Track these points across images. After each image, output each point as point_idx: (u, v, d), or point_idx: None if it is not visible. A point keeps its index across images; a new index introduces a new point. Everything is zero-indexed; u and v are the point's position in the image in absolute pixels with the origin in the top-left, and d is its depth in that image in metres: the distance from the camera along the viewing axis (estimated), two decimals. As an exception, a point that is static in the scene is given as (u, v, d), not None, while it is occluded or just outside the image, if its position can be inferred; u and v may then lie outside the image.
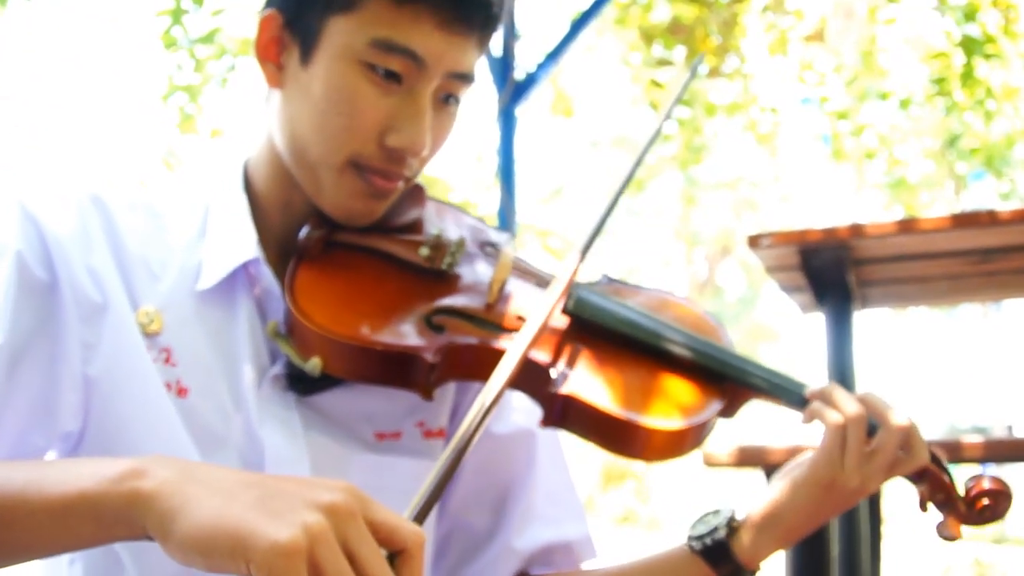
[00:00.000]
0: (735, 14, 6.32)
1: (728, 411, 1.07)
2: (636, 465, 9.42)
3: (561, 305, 1.06)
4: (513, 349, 0.94)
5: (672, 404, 1.03)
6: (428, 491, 0.80)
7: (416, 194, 1.15)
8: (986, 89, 6.17)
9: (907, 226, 2.40)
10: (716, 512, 1.09)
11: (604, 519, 9.25)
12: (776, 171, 14.88)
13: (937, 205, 11.01)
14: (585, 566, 1.18)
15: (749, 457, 2.18)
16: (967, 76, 6.02)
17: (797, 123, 9.25)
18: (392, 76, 1.01)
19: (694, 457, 1.20)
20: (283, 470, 1.01)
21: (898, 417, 1.03)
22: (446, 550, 1.17)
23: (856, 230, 2.44)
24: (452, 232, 1.12)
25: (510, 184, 5.23)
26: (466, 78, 1.06)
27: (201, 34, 5.56)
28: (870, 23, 6.54)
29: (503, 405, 1.15)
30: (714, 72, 6.37)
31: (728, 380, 1.06)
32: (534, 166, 14.05)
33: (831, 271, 2.54)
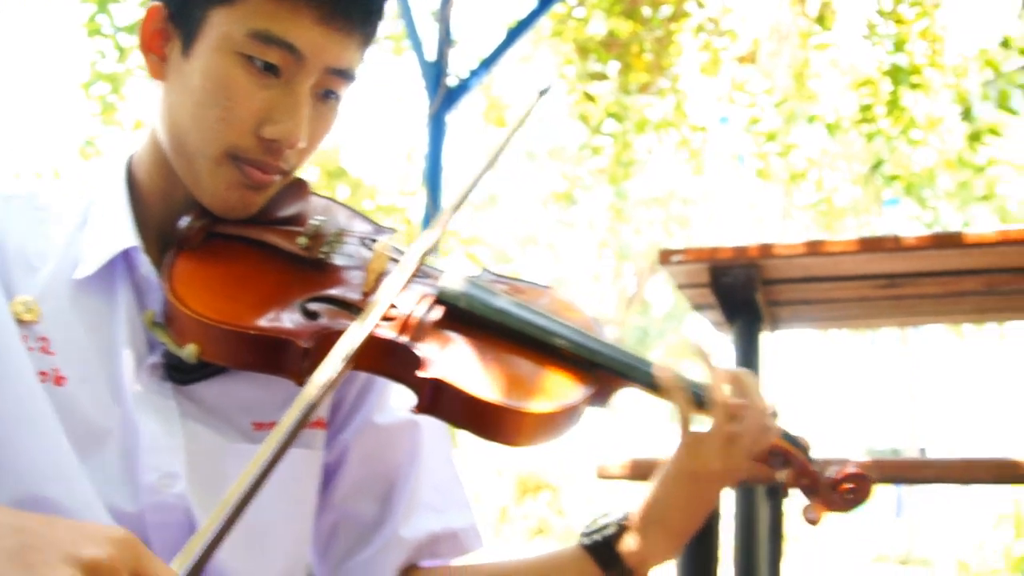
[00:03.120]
0: (670, 32, 6.36)
1: (599, 399, 1.09)
2: (551, 477, 9.45)
3: (433, 295, 1.08)
4: (355, 332, 0.96)
5: (541, 389, 1.05)
6: (254, 477, 0.82)
7: (299, 188, 1.16)
8: (910, 118, 6.29)
9: (815, 248, 2.41)
10: (611, 513, 1.11)
11: (518, 531, 9.25)
12: (706, 189, 15.04)
13: (863, 229, 11.20)
14: (472, 556, 1.19)
15: (642, 470, 2.17)
16: (893, 104, 6.13)
17: (727, 142, 9.36)
18: (270, 68, 1.02)
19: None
20: (159, 459, 1.00)
21: (754, 399, 1.05)
22: (333, 541, 1.17)
23: (765, 250, 2.44)
24: (333, 225, 1.14)
25: (436, 190, 5.20)
26: (345, 74, 1.06)
27: (127, 23, 5.44)
28: (802, 48, 6.63)
29: (386, 396, 1.17)
30: (646, 88, 6.41)
31: (599, 368, 1.08)
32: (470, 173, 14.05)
33: (740, 290, 2.54)
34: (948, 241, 2.39)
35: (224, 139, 1.03)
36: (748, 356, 2.76)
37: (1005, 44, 6.31)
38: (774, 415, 1.08)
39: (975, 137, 6.23)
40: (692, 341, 1.10)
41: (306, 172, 1.17)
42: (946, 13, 6.70)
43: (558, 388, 1.06)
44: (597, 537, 1.09)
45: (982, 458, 1.92)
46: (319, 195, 1.20)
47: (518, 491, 9.42)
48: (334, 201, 1.23)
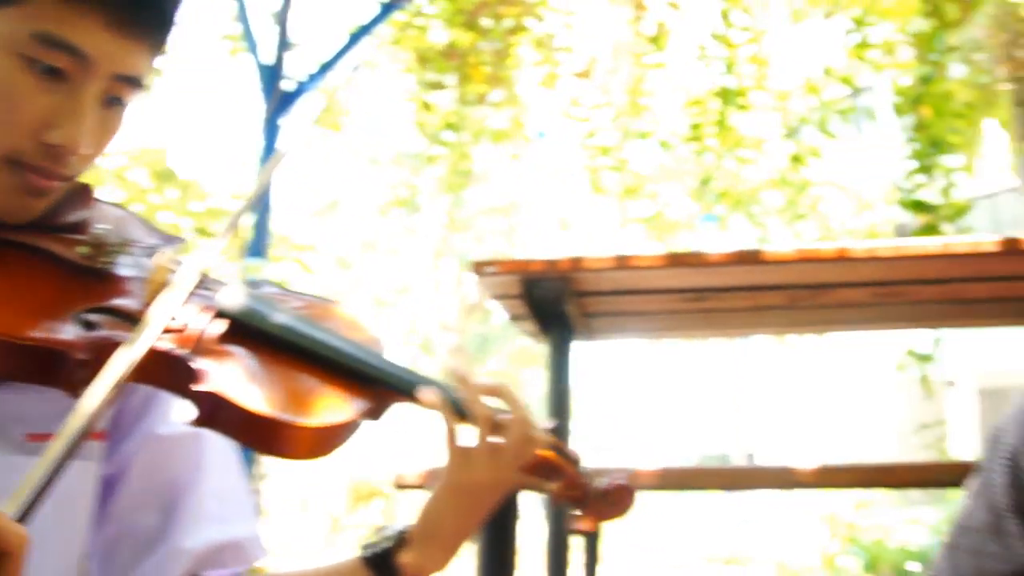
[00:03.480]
0: (509, 45, 6.43)
1: (374, 413, 1.10)
2: (384, 485, 9.40)
3: (215, 309, 1.07)
4: (133, 344, 0.95)
5: (318, 404, 1.05)
6: (33, 490, 0.80)
7: (83, 195, 1.13)
8: (738, 138, 6.53)
9: (623, 262, 2.46)
10: (393, 526, 1.12)
11: (351, 539, 9.17)
12: (547, 200, 15.28)
13: (696, 243, 11.55)
14: (258, 565, 1.19)
15: (438, 479, 2.17)
16: (721, 124, 6.36)
17: (564, 155, 9.53)
18: (54, 72, 0.99)
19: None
20: None
21: (517, 411, 1.07)
22: (114, 553, 1.14)
23: (576, 263, 2.49)
24: (116, 234, 1.10)
25: (267, 194, 5.12)
26: (133, 81, 1.04)
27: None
28: (637, 66, 6.80)
29: (169, 407, 1.16)
30: (483, 100, 6.47)
31: (376, 383, 1.09)
32: (311, 179, 13.94)
33: (552, 302, 2.58)
34: (749, 258, 2.49)
35: (4, 144, 1.00)
36: (559, 367, 2.80)
37: (827, 73, 6.66)
38: (541, 427, 1.10)
39: (797, 159, 6.53)
40: (450, 363, 1.13)
41: (134, 173, 1.14)
42: (773, 40, 7.00)
43: (335, 403, 1.06)
44: (376, 549, 1.09)
45: (758, 467, 2.00)
46: (106, 203, 1.17)
47: (351, 499, 9.35)
48: (123, 210, 1.21)
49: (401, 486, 2.17)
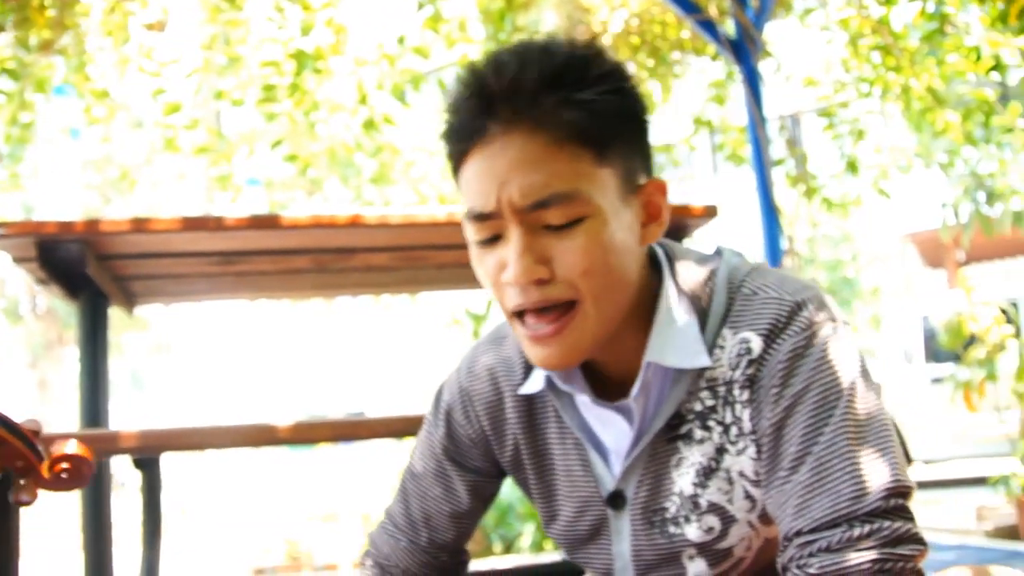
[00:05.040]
0: (74, -11, 6.09)
1: None
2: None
3: None
4: None
5: None
6: None
7: None
8: (313, 102, 6.61)
9: (141, 225, 2.47)
10: None
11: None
12: (141, 157, 14.62)
13: (294, 207, 11.56)
14: None
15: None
16: (295, 87, 6.41)
17: (141, 111, 9.17)
18: None
19: None
20: None
21: None
22: None
23: (92, 226, 2.47)
24: None
25: None
26: None
27: None
28: (213, 23, 6.67)
29: None
30: (47, 47, 6.08)
31: None
32: None
33: (72, 264, 2.54)
34: (267, 223, 2.59)
35: None
36: (94, 330, 2.77)
37: (400, 42, 6.89)
38: None
39: (370, 124, 6.73)
40: None
41: None
42: (350, 6, 7.13)
43: None
44: None
45: (235, 425, 2.13)
46: None
47: None
48: None
49: None
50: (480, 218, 1.18)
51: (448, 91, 1.22)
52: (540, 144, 1.15)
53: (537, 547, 6.43)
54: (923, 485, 10.09)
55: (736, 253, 1.37)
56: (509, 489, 6.77)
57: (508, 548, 6.82)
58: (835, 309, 1.25)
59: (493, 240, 1.20)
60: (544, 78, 1.15)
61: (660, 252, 1.33)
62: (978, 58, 5.83)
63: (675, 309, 1.27)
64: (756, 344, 1.23)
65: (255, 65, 6.76)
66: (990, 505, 5.85)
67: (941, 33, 5.91)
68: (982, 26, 5.98)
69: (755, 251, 4.80)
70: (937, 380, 8.90)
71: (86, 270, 2.56)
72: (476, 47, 7.10)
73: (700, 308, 1.28)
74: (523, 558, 5.91)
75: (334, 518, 10.17)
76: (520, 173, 1.15)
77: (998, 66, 5.74)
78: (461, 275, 3.31)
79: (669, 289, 1.29)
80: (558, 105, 1.15)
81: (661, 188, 1.26)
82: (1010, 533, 5.25)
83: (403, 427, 2.15)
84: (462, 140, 1.19)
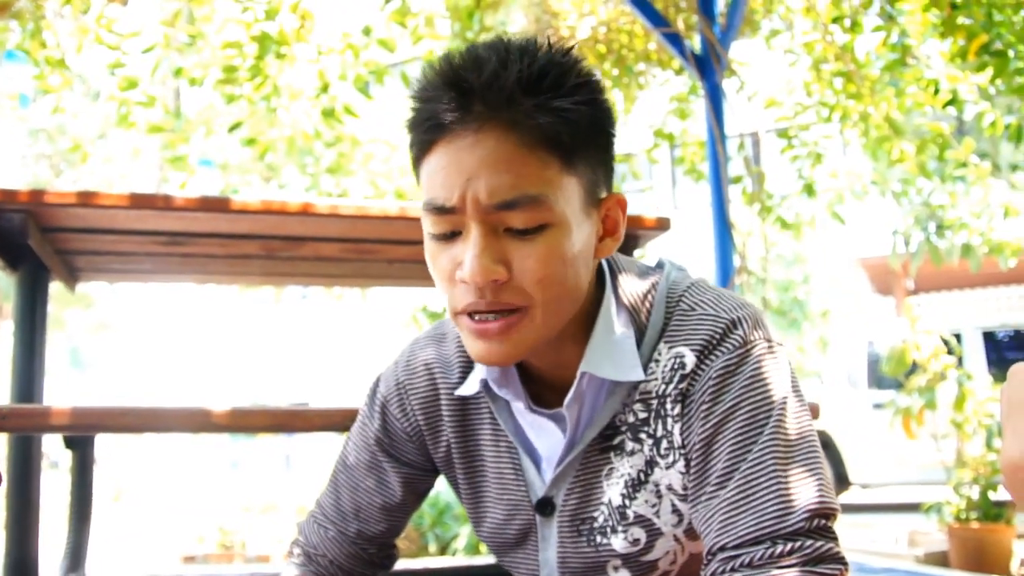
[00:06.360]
0: (35, -44, 5.97)
1: None
2: None
3: None
4: None
5: None
6: None
7: None
8: (274, 86, 6.54)
9: (87, 199, 2.41)
10: None
11: None
12: (96, 128, 14.44)
13: (248, 191, 11.44)
14: None
15: None
16: (256, 70, 6.33)
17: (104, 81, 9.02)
18: None
19: None
20: None
21: None
22: None
23: (36, 196, 2.40)
24: None
25: None
26: None
27: None
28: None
29: None
30: (3, 10, 5.96)
31: None
32: None
33: (13, 234, 2.47)
34: (216, 205, 2.53)
35: None
36: (32, 304, 2.71)
37: (366, 32, 6.84)
38: None
39: (330, 113, 6.67)
40: None
41: None
42: (318, -7, 7.06)
43: None
44: None
45: (175, 408, 2.08)
46: None
47: None
48: None
49: None
50: (440, 211, 1.17)
51: (419, 79, 1.20)
52: (512, 145, 1.13)
53: (472, 549, 6.41)
54: (859, 508, 10.22)
55: (678, 267, 1.37)
56: (447, 490, 6.74)
57: (443, 549, 6.80)
58: (770, 329, 1.25)
59: (451, 236, 1.18)
60: (523, 80, 1.14)
61: (604, 264, 1.33)
62: (936, 91, 5.91)
63: (614, 321, 1.27)
64: (690, 359, 1.23)
65: (217, 45, 6.68)
66: (922, 531, 5.92)
67: (902, 64, 5.98)
68: (942, 60, 6.06)
69: (708, 267, 4.82)
70: (879, 405, 9.01)
71: (28, 241, 2.50)
72: (442, 43, 7.07)
73: (639, 321, 1.28)
74: (457, 560, 5.89)
75: (273, 509, 10.10)
76: (489, 172, 1.13)
77: (955, 101, 5.81)
78: (412, 271, 3.27)
79: (610, 301, 1.28)
80: (535, 108, 1.13)
81: (621, 203, 1.26)
82: (940, 560, 5.32)
83: (343, 420, 2.11)
84: (430, 130, 1.16)
